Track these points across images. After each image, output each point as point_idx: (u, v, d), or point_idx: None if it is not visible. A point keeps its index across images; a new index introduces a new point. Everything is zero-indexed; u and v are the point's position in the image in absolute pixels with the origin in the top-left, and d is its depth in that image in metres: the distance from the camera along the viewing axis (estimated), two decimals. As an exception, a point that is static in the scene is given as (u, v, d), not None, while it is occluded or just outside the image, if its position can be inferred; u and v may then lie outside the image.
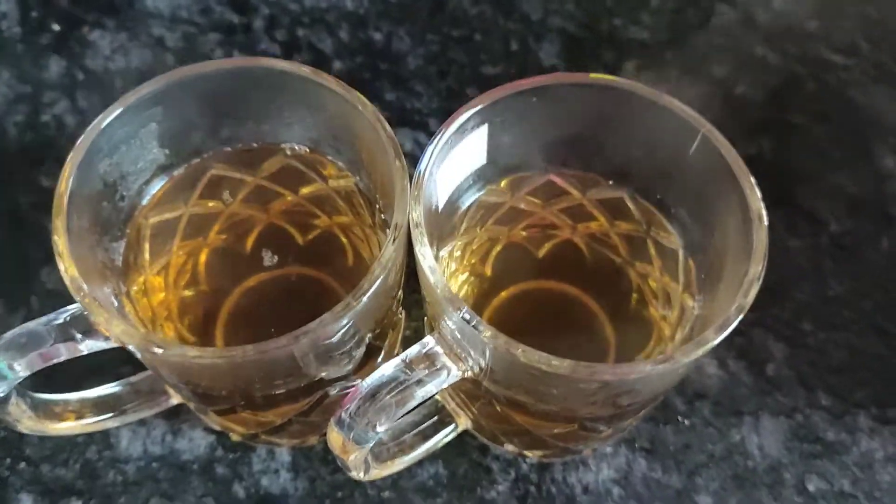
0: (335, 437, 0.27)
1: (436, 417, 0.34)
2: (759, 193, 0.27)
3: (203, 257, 0.33)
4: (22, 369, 0.27)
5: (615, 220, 0.33)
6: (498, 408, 0.31)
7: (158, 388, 0.34)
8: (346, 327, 0.26)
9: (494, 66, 0.46)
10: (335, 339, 0.26)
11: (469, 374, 0.28)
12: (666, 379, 0.28)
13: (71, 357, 0.28)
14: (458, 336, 0.26)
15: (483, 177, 0.32)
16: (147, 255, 0.31)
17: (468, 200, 0.32)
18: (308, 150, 0.32)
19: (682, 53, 0.44)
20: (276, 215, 0.33)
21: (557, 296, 0.35)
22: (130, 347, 0.26)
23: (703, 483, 0.36)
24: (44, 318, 0.27)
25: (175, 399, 0.34)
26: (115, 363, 0.34)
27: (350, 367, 0.29)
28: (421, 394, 0.27)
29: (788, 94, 0.44)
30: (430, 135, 0.32)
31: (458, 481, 0.36)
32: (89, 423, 0.33)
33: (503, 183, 0.33)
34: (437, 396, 0.34)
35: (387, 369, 0.27)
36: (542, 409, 0.29)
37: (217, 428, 0.36)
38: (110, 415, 0.33)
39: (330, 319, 0.25)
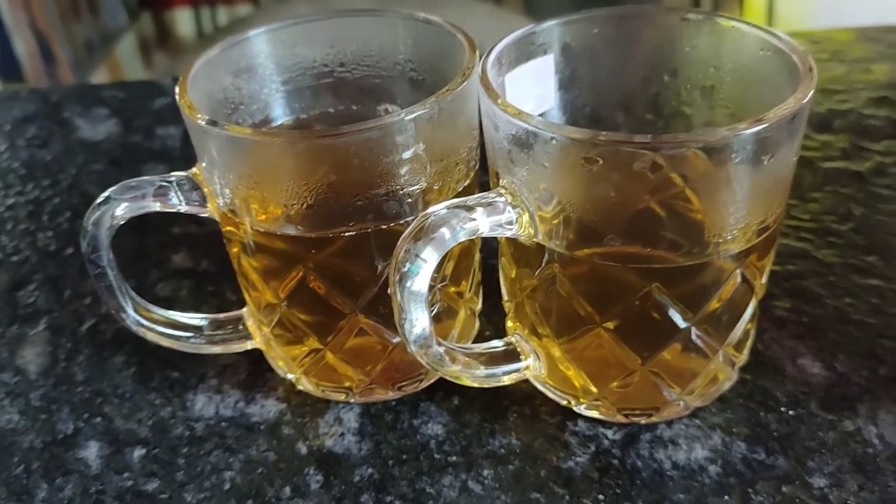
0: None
1: (504, 345, 0.32)
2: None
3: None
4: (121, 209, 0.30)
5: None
6: (561, 288, 0.29)
7: (240, 330, 0.35)
8: (412, 139, 0.28)
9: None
10: (400, 143, 0.28)
11: (526, 229, 0.28)
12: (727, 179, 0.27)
13: (163, 209, 0.31)
14: (522, 161, 0.27)
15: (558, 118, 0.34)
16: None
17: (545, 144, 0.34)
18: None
19: None
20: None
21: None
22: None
23: (815, 466, 0.31)
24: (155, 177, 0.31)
25: (255, 339, 0.35)
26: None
27: (412, 210, 0.30)
28: (471, 227, 0.27)
29: None
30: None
31: (532, 451, 0.33)
32: (166, 335, 0.35)
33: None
34: (509, 327, 0.33)
35: (443, 204, 0.28)
36: (611, 270, 0.28)
37: (287, 374, 0.35)
38: (191, 334, 0.35)
39: (399, 112, 0.27)
